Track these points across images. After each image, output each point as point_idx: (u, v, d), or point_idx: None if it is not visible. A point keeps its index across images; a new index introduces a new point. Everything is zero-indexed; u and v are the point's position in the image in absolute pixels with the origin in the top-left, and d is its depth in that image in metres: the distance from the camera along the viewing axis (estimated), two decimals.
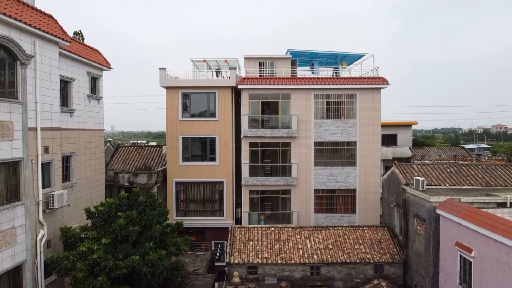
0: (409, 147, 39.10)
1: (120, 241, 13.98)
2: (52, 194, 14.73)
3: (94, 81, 20.94)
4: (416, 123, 44.37)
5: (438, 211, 15.37)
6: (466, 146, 71.98)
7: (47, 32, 14.29)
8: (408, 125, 41.55)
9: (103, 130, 21.90)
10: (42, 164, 14.43)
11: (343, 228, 20.88)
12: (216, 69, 30.29)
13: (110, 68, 22.12)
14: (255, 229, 20.77)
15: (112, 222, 14.38)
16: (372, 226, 21.18)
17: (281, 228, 20.83)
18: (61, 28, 15.57)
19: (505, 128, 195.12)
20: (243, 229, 20.86)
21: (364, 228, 20.93)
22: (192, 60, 29.13)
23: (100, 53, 21.73)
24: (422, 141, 49.69)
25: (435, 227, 16.11)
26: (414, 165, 20.84)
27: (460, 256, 13.88)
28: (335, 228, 20.81)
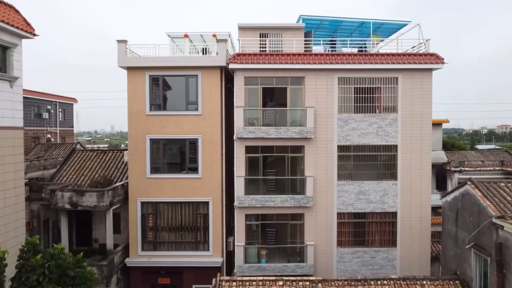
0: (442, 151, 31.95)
1: None
2: None
3: (3, 53, 13.50)
4: (448, 121, 37.03)
5: None
6: (478, 147, 65.08)
7: None
8: (437, 124, 34.04)
9: (22, 128, 14.45)
10: None
11: (391, 282, 13.40)
12: (203, 49, 22.80)
13: (35, 35, 14.68)
14: (253, 284, 13.27)
15: None
16: (435, 279, 13.69)
17: (293, 283, 13.32)
18: None
19: (511, 128, 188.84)
20: (234, 283, 13.38)
21: (424, 281, 13.44)
22: (169, 36, 21.70)
23: (17, 12, 14.27)
24: (451, 143, 42.24)
25: None
26: (502, 184, 13.40)
27: None
28: (379, 283, 13.32)
